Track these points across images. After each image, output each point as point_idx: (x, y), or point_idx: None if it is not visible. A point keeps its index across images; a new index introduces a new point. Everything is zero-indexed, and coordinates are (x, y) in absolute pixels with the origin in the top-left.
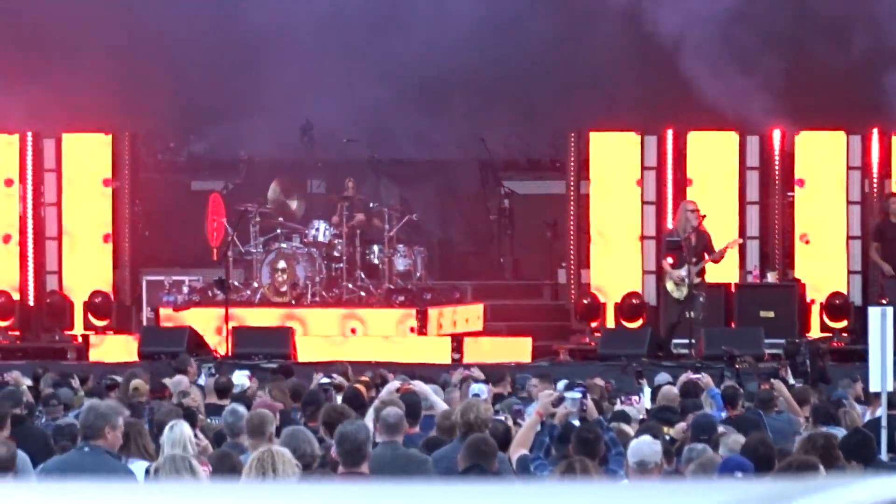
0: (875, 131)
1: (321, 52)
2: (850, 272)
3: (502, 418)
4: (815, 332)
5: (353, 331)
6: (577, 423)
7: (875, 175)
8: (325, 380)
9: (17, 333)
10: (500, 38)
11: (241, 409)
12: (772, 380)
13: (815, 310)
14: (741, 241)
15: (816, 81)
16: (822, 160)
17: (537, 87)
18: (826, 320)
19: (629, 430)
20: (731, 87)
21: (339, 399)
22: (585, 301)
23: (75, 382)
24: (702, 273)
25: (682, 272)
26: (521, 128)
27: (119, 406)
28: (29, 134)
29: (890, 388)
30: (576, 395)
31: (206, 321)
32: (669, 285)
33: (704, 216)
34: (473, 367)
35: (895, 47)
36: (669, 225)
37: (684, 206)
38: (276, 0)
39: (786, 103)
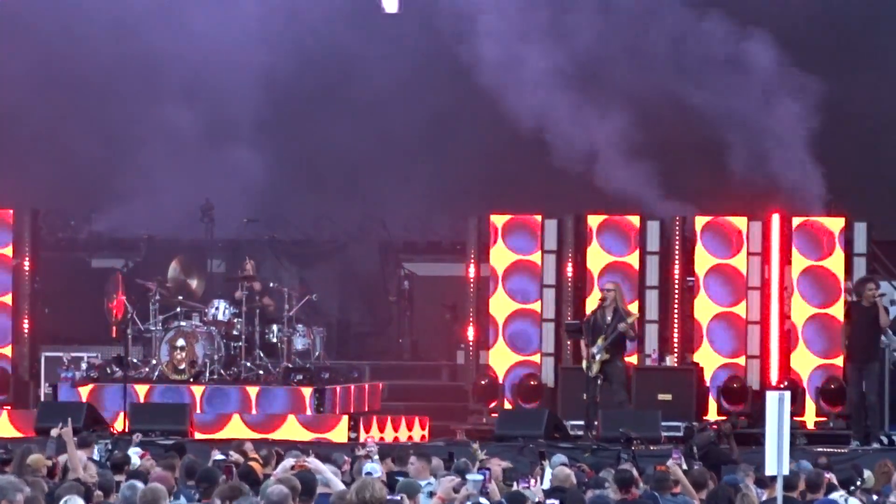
0: (775, 216)
1: (222, 133)
2: (748, 356)
3: (398, 498)
4: (712, 415)
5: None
6: None
7: (775, 261)
8: (221, 456)
9: None
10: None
11: (139, 484)
12: (667, 462)
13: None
14: (636, 316)
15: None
16: (722, 246)
17: (437, 168)
18: (724, 403)
19: None
20: (628, 174)
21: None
22: (483, 382)
23: None
24: (617, 350)
25: (594, 349)
26: (421, 209)
27: (19, 482)
28: None
29: (786, 471)
30: (478, 477)
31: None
32: (583, 364)
33: (603, 297)
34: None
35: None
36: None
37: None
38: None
39: (686, 188)
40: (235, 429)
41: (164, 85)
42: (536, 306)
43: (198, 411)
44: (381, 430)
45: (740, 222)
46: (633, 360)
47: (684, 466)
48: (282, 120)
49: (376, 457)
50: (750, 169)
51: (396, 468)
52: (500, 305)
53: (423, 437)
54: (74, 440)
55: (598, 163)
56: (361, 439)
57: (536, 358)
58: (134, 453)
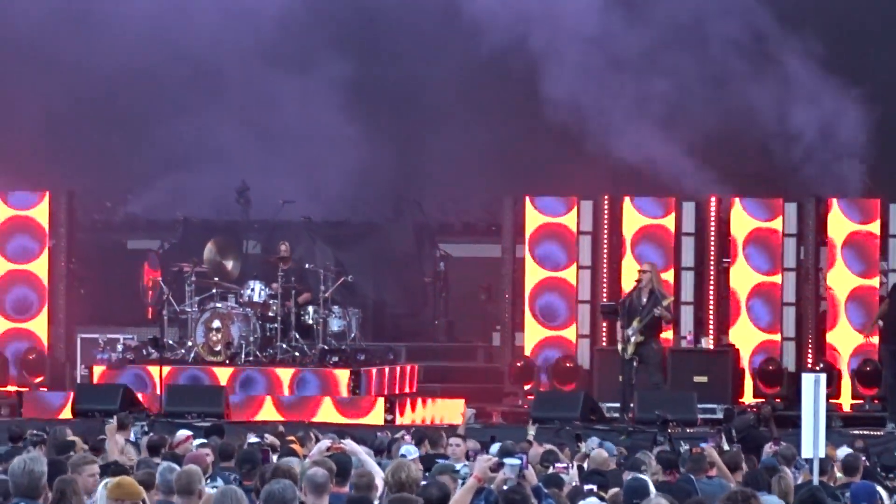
0: (811, 199)
1: (258, 113)
2: (783, 338)
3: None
4: (748, 398)
5: None
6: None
7: (811, 242)
8: (256, 439)
9: None
10: None
11: (176, 466)
12: (702, 444)
13: (749, 376)
14: (672, 298)
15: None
16: (758, 227)
17: (473, 151)
18: (759, 386)
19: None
20: (664, 154)
21: (275, 459)
22: (519, 364)
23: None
24: (652, 332)
25: (629, 331)
26: (457, 191)
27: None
28: None
29: (822, 454)
30: (515, 461)
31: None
32: (619, 346)
33: (639, 279)
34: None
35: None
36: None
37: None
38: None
39: (720, 170)
40: (270, 411)
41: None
42: (567, 275)
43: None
44: (416, 412)
45: (775, 204)
46: (668, 341)
47: (725, 447)
48: None
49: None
50: (786, 150)
51: (433, 451)
52: (535, 287)
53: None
54: (112, 423)
55: (633, 144)
56: (398, 421)
57: (568, 334)
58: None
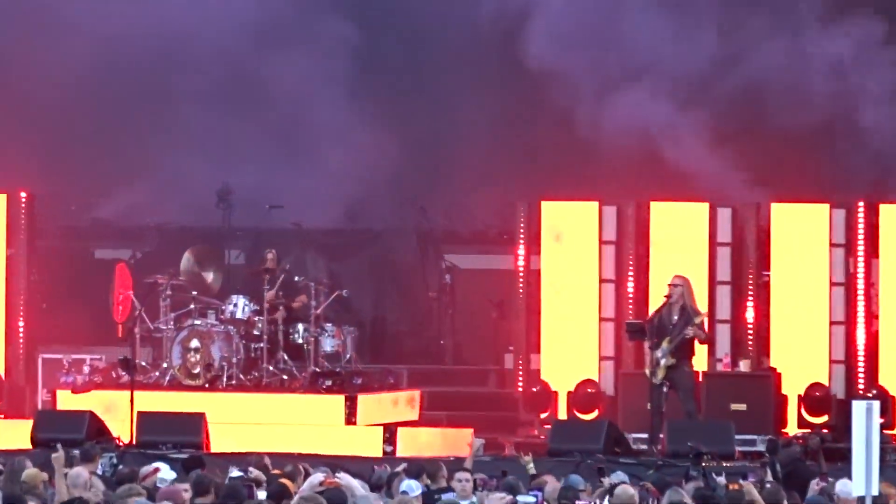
0: (861, 204)
1: (241, 110)
2: (831, 361)
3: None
4: (791, 428)
5: None
6: None
7: (861, 253)
8: (239, 473)
9: None
10: None
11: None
12: (741, 480)
13: (793, 403)
14: (706, 316)
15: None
16: (802, 236)
17: (484, 152)
18: (804, 415)
19: None
20: (697, 156)
21: (260, 495)
22: (535, 389)
23: None
24: (684, 354)
25: (658, 353)
26: (465, 196)
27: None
28: None
29: (875, 491)
30: (529, 499)
31: (108, 405)
32: (647, 369)
33: (669, 294)
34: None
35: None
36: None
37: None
38: (190, 53)
39: (759, 173)
40: (255, 440)
41: (178, 58)
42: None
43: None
44: (419, 443)
45: (821, 210)
46: (702, 365)
47: (768, 483)
48: None
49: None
50: (832, 153)
51: (434, 485)
52: (551, 302)
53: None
54: (76, 454)
55: (661, 145)
56: (399, 453)
57: (590, 356)
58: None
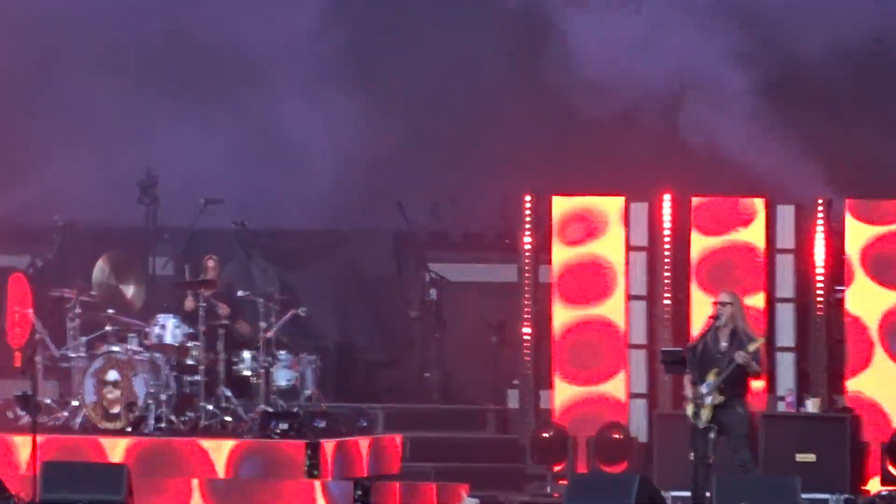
0: None
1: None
2: None
3: None
4: (874, 484)
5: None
6: None
7: None
8: None
9: None
10: None
11: None
12: None
13: (876, 452)
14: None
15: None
16: (884, 240)
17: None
18: (890, 468)
19: None
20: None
21: None
22: (546, 435)
23: None
24: (736, 390)
25: (703, 388)
26: (456, 190)
27: None
28: None
29: None
30: None
31: (3, 453)
32: (688, 409)
33: (716, 314)
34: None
35: None
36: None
37: None
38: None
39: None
40: (192, 499)
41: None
42: (612, 308)
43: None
44: (400, 502)
45: None
46: (760, 404)
47: None
48: None
49: None
50: None
51: None
52: (566, 325)
53: None
54: None
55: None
56: None
57: (616, 393)
58: None
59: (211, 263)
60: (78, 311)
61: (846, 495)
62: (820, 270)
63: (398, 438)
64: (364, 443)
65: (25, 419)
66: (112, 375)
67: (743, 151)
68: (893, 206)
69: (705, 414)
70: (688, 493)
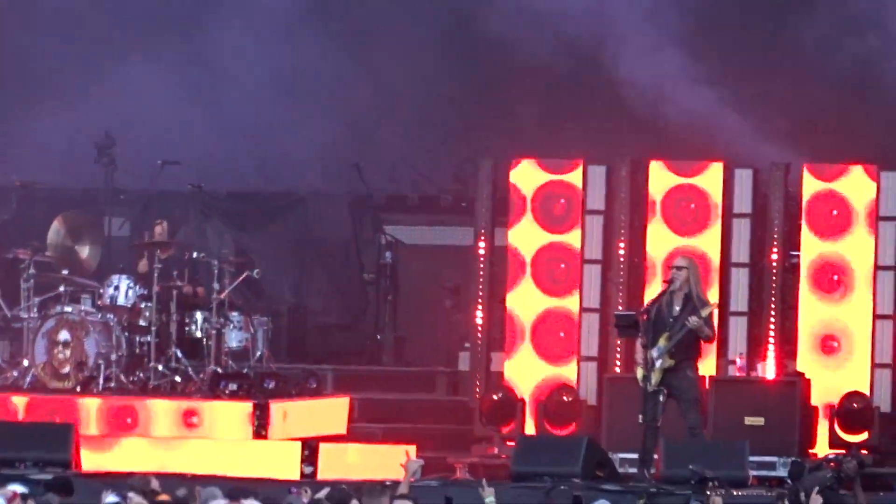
0: None
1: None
2: (874, 365)
3: None
4: (821, 448)
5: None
6: None
7: None
8: (114, 499)
9: None
10: None
11: None
12: None
13: (824, 416)
14: (715, 306)
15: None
16: (842, 207)
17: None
18: (838, 431)
19: None
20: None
21: None
22: (496, 397)
23: None
24: (687, 354)
25: (653, 352)
26: (413, 152)
27: None
28: None
29: None
30: None
31: None
32: (638, 373)
33: (671, 279)
34: None
35: None
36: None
37: None
38: None
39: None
40: (139, 459)
41: None
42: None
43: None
44: (348, 462)
45: (867, 174)
46: (710, 368)
47: None
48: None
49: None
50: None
51: None
52: (525, 294)
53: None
54: None
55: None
56: (321, 476)
57: (567, 357)
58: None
59: (158, 230)
60: (32, 271)
61: (793, 458)
62: (776, 235)
63: (347, 400)
64: (312, 404)
65: None
66: (63, 336)
67: (700, 115)
68: (858, 171)
69: (655, 377)
70: (635, 456)
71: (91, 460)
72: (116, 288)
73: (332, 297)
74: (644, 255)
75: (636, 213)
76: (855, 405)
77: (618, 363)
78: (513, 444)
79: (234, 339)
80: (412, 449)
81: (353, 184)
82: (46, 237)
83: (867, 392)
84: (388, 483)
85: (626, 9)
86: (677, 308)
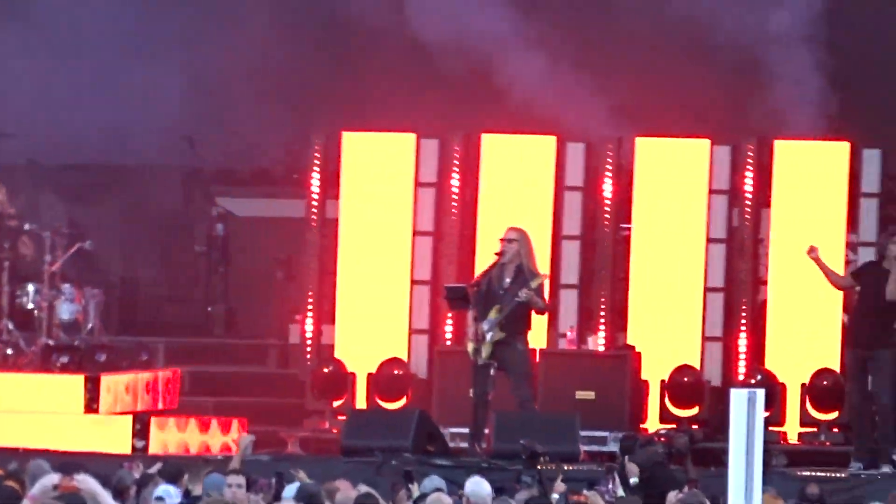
0: (753, 140)
1: None
2: (705, 339)
3: None
4: (652, 422)
5: None
6: None
7: (748, 202)
8: None
9: None
10: None
11: None
12: (585, 491)
13: (654, 391)
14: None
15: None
16: (674, 180)
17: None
18: (669, 406)
19: None
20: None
21: None
22: (326, 370)
23: None
24: (517, 327)
25: (484, 325)
26: (246, 124)
27: None
28: None
29: (758, 502)
30: None
31: None
32: (469, 346)
33: (502, 251)
34: None
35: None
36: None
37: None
38: None
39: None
40: None
41: None
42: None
43: None
44: (178, 437)
45: (700, 147)
46: (540, 341)
47: (619, 493)
48: None
49: None
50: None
51: (196, 491)
52: (356, 267)
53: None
54: None
55: (494, 65)
56: (152, 450)
57: (398, 328)
58: None
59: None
60: None
61: (624, 433)
62: (607, 208)
63: (177, 372)
64: (143, 376)
65: None
66: None
67: (534, 88)
68: (690, 144)
69: (485, 350)
70: (466, 430)
71: None
72: None
73: (162, 269)
74: (475, 228)
75: (468, 187)
76: (685, 379)
77: (448, 336)
78: (343, 418)
79: (65, 311)
80: (243, 423)
81: (186, 156)
82: None
83: (697, 366)
84: (220, 458)
85: None
86: (508, 280)
